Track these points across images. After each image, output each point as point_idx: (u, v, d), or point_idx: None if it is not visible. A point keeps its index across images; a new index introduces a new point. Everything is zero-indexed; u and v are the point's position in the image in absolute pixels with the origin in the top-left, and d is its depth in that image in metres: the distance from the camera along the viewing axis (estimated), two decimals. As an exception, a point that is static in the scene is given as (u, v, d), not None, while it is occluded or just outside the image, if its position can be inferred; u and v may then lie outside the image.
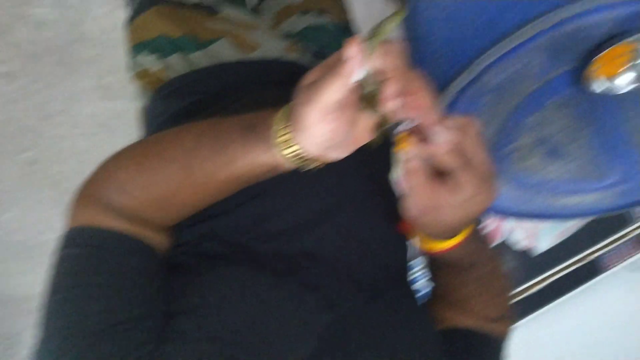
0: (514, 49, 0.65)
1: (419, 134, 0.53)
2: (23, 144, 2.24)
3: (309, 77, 0.49)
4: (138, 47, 0.84)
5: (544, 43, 0.64)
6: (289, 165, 0.53)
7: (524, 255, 1.58)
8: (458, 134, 0.53)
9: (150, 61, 0.82)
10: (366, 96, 0.49)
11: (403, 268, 0.75)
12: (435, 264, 0.72)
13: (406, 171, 0.56)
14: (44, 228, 2.72)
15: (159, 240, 0.60)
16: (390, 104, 0.47)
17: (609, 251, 1.43)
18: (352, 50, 0.44)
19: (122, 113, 2.20)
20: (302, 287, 0.61)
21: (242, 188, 0.58)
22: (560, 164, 0.86)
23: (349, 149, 0.53)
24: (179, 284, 0.58)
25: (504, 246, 1.56)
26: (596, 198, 0.94)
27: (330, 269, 0.64)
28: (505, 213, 0.99)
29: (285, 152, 0.51)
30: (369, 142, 0.53)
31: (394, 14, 0.48)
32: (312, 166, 0.54)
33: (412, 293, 0.72)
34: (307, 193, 0.67)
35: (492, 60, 0.66)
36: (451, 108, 0.73)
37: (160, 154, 0.56)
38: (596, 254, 1.44)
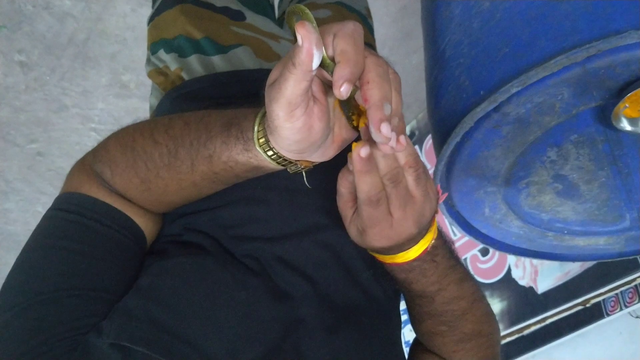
0: (542, 80, 0.64)
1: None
2: (32, 135, 2.25)
3: (272, 75, 0.47)
4: (157, 44, 0.84)
5: (573, 77, 0.63)
6: (273, 166, 0.53)
7: (530, 291, 1.56)
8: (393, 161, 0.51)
9: (168, 60, 0.82)
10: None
11: (391, 299, 0.72)
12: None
13: (341, 172, 0.55)
14: (42, 221, 2.72)
15: (143, 223, 0.61)
16: (335, 90, 0.43)
17: (614, 295, 1.41)
18: (304, 35, 0.41)
19: (135, 111, 2.21)
20: (268, 289, 0.59)
21: (228, 184, 0.58)
22: (573, 204, 0.85)
23: (332, 149, 0.52)
24: (145, 265, 0.59)
25: (509, 280, 1.55)
26: (606, 242, 0.92)
27: (303, 278, 0.62)
28: (511, 250, 0.97)
29: (266, 153, 0.51)
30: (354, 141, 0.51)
31: None
32: (297, 168, 0.53)
33: (393, 328, 0.70)
34: (295, 206, 0.66)
35: (517, 89, 0.65)
36: (468, 137, 0.72)
37: (151, 136, 0.57)
38: (601, 297, 1.42)
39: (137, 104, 2.16)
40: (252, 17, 0.87)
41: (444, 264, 0.63)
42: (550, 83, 0.64)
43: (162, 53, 0.82)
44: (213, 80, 0.77)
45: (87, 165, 0.61)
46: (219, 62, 0.79)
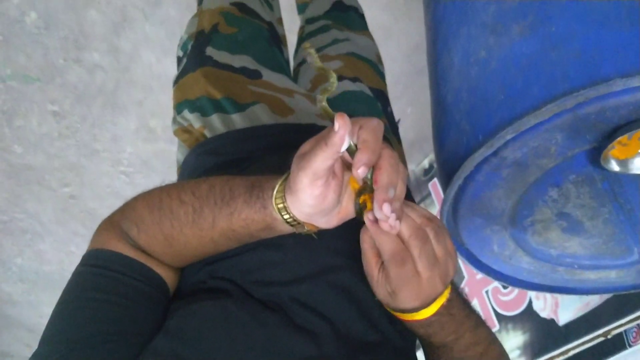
0: (535, 127, 0.66)
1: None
2: (65, 179, 2.34)
3: (304, 148, 0.55)
4: (182, 104, 0.90)
5: (564, 122, 0.66)
6: (283, 226, 0.59)
7: (552, 323, 1.56)
8: (411, 227, 0.57)
9: (192, 119, 0.88)
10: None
11: (407, 341, 0.74)
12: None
13: (362, 229, 0.61)
14: (74, 262, 2.79)
15: (164, 274, 0.66)
16: (354, 171, 0.52)
17: (635, 326, 1.40)
18: (341, 124, 0.50)
19: (161, 154, 2.28)
20: (286, 326, 0.63)
21: (242, 243, 0.64)
22: (580, 239, 0.87)
23: (336, 219, 0.59)
24: (171, 309, 0.63)
25: (530, 313, 1.55)
26: (618, 275, 0.93)
27: (320, 317, 0.65)
28: (524, 285, 0.99)
29: (280, 213, 0.57)
30: (357, 215, 0.58)
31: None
32: (303, 230, 0.60)
33: None
34: (310, 249, 0.69)
35: (512, 135, 0.67)
36: (470, 179, 0.75)
37: (178, 197, 0.63)
38: (622, 328, 1.41)
39: (164, 146, 2.24)
40: (267, 75, 0.93)
41: (459, 314, 0.67)
42: (543, 129, 0.67)
43: (186, 113, 0.89)
44: (232, 137, 0.83)
45: (115, 223, 0.67)
46: (238, 120, 0.85)
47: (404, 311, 0.63)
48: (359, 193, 0.57)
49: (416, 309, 0.62)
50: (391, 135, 1.01)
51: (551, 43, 0.69)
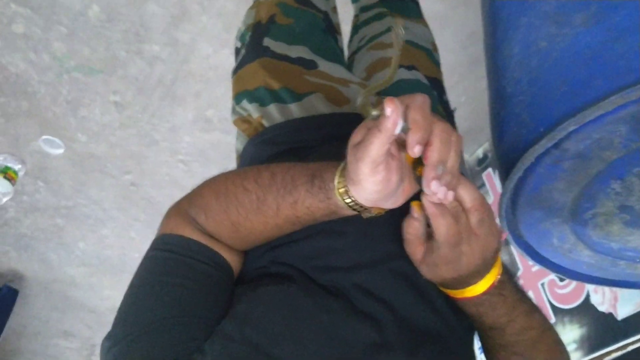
0: (598, 118, 0.65)
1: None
2: (126, 167, 2.42)
3: (355, 138, 0.56)
4: (241, 95, 0.92)
5: (629, 114, 0.64)
6: (349, 212, 0.60)
7: (610, 317, 1.52)
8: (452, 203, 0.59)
9: (250, 109, 0.90)
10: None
11: (466, 329, 0.75)
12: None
13: (406, 220, 0.65)
14: (134, 247, 2.91)
15: (230, 258, 0.69)
16: (410, 152, 0.53)
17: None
18: (393, 108, 0.51)
19: (218, 144, 2.33)
20: (349, 312, 0.64)
21: (306, 225, 0.66)
22: (643, 232, 0.85)
23: (402, 198, 0.60)
24: (237, 294, 0.66)
25: (587, 306, 1.52)
26: (682, 270, 0.91)
27: (382, 303, 0.67)
28: (583, 279, 0.97)
29: (344, 201, 0.58)
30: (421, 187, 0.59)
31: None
32: (370, 214, 0.61)
33: (470, 357, 0.73)
34: (370, 237, 0.71)
35: (574, 127, 0.67)
36: (530, 172, 0.74)
37: (242, 185, 0.65)
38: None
39: (220, 137, 2.29)
40: (323, 65, 0.94)
41: (511, 297, 0.69)
42: (607, 121, 0.66)
43: (245, 103, 0.91)
44: (290, 126, 0.86)
45: (183, 209, 0.70)
46: (295, 109, 0.87)
47: (449, 285, 0.66)
48: (414, 166, 0.58)
49: (459, 283, 0.64)
50: None
51: (615, 34, 0.67)
